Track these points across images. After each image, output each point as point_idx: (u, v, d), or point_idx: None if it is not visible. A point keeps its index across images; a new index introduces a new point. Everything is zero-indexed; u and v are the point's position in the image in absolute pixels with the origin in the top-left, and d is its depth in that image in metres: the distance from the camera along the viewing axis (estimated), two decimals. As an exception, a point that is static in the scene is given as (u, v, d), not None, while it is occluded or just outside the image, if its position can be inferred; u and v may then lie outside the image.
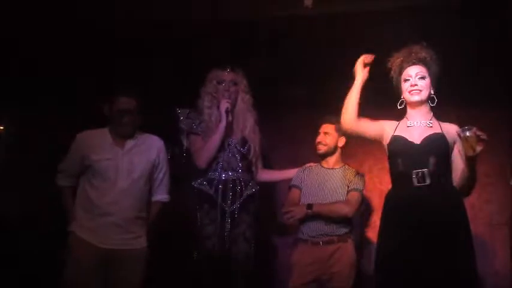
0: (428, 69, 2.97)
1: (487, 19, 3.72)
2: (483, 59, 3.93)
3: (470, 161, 2.77)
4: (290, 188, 3.78)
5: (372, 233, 3.84)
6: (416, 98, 2.95)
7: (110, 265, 3.13)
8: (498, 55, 3.90)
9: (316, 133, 3.76)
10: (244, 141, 3.59)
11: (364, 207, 3.86)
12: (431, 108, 2.99)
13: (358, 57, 3.89)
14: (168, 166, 3.38)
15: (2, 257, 3.81)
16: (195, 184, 3.52)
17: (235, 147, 3.56)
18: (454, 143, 2.89)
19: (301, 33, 3.94)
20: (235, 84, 3.59)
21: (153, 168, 3.30)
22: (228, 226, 3.43)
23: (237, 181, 3.50)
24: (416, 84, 2.94)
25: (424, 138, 2.89)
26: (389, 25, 3.76)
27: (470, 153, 2.72)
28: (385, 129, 3.05)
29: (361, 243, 3.81)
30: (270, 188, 4.08)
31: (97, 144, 3.23)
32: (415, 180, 2.83)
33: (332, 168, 3.75)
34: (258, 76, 3.74)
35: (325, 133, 3.75)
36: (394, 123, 3.05)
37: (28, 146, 4.22)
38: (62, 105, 4.15)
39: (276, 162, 4.14)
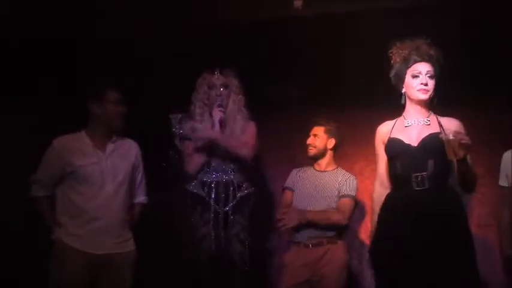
0: (435, 68, 2.89)
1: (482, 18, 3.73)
2: (478, 61, 3.94)
3: (458, 164, 2.73)
4: (283, 190, 3.80)
5: (363, 234, 3.84)
6: (423, 97, 2.87)
7: (100, 270, 3.09)
8: (494, 57, 3.91)
9: (306, 133, 3.77)
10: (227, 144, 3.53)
11: (355, 208, 3.85)
12: (430, 104, 2.92)
13: (351, 57, 3.95)
14: (144, 168, 3.38)
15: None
16: (188, 187, 3.51)
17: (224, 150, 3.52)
18: None
19: (292, 35, 3.94)
20: (226, 87, 3.58)
21: (133, 170, 3.29)
22: (222, 228, 3.43)
23: (230, 183, 3.49)
24: (426, 84, 2.85)
25: (421, 140, 2.83)
26: (380, 25, 3.77)
27: (452, 157, 2.67)
28: (380, 135, 3.01)
29: (353, 244, 3.78)
30: (266, 189, 4.09)
31: (77, 149, 3.16)
32: (414, 184, 2.78)
33: (324, 171, 3.76)
34: (251, 78, 3.73)
35: (315, 135, 3.77)
36: (389, 123, 3.00)
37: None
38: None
39: (270, 163, 4.13)
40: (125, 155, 3.27)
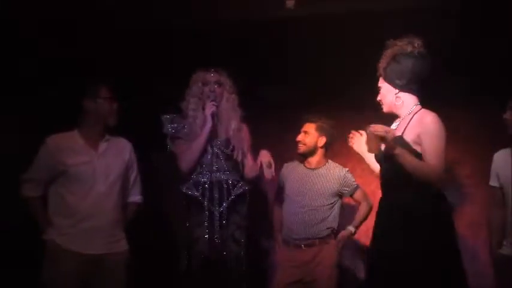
0: (385, 75, 2.94)
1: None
2: (465, 62, 3.97)
3: (393, 158, 2.74)
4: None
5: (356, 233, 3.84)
6: (383, 110, 3.01)
7: (93, 271, 3.06)
8: (481, 59, 3.94)
9: (296, 132, 3.79)
10: (228, 142, 3.56)
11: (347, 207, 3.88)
12: (409, 103, 2.91)
13: (343, 57, 3.96)
14: (138, 167, 3.36)
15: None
16: (182, 188, 3.49)
17: (219, 148, 3.53)
18: (419, 136, 2.79)
19: (284, 34, 3.94)
20: (220, 85, 3.57)
21: (127, 169, 3.27)
22: (217, 228, 3.40)
23: (223, 182, 3.48)
24: (379, 100, 3.00)
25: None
26: (373, 26, 3.79)
27: (370, 150, 2.77)
28: None
29: (344, 243, 3.79)
30: (260, 188, 4.09)
31: (70, 148, 3.13)
32: (388, 188, 2.90)
33: (315, 169, 3.76)
34: (244, 78, 3.72)
35: (305, 132, 3.76)
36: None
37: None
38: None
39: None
40: (118, 154, 3.24)
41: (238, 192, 3.50)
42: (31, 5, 3.62)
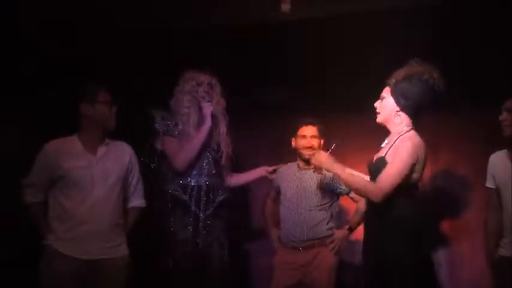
0: (392, 87, 2.97)
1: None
2: (458, 67, 3.98)
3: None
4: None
5: (352, 235, 3.82)
6: (377, 119, 3.04)
7: (90, 277, 3.04)
8: (468, 63, 3.95)
9: (295, 134, 3.76)
10: (218, 146, 3.56)
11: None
12: (402, 124, 2.96)
13: (339, 60, 3.97)
14: (140, 171, 3.34)
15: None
16: (169, 190, 3.47)
17: (209, 152, 3.52)
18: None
19: (280, 37, 3.95)
20: (211, 87, 3.57)
21: (127, 173, 3.25)
22: (203, 231, 3.40)
23: (210, 187, 3.47)
24: (375, 107, 3.03)
25: (375, 159, 2.96)
26: (367, 28, 3.80)
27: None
28: None
29: (341, 244, 3.77)
30: (241, 193, 4.07)
31: (68, 152, 3.12)
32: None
33: (308, 168, 3.73)
34: (238, 79, 3.73)
35: (313, 136, 3.73)
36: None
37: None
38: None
39: (257, 165, 4.12)
40: (117, 158, 3.22)
41: (223, 196, 3.50)
42: (30, 4, 3.62)
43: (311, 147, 3.68)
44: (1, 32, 3.70)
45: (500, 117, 3.24)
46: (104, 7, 3.69)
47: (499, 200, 3.26)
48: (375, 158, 2.96)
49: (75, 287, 3.01)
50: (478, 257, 3.81)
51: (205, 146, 3.49)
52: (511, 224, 3.15)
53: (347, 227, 3.71)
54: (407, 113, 2.94)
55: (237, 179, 3.76)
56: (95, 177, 3.10)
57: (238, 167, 3.81)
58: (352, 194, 3.70)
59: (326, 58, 4.04)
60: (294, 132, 3.77)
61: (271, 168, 3.77)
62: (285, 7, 3.71)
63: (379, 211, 2.84)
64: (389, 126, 2.99)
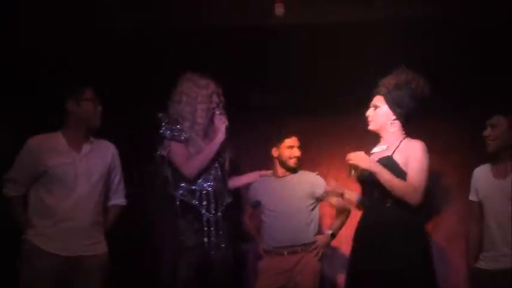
0: (386, 98, 3.08)
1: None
2: (441, 74, 4.02)
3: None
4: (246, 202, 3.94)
5: (335, 241, 3.87)
6: (369, 127, 3.15)
7: (69, 272, 3.05)
8: (454, 71, 3.99)
9: (277, 144, 3.86)
10: (221, 150, 3.49)
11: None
12: (399, 132, 3.09)
13: (331, 65, 4.00)
14: (122, 171, 3.34)
15: None
16: (177, 195, 3.40)
17: (217, 158, 3.46)
18: (407, 158, 3.00)
19: (274, 41, 3.96)
20: (220, 96, 3.50)
21: (109, 172, 3.25)
22: (213, 236, 3.37)
23: (217, 191, 3.43)
24: (368, 115, 3.13)
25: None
26: (360, 35, 3.82)
27: (348, 175, 3.02)
28: None
29: (324, 248, 3.82)
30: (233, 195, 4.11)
31: (52, 149, 3.12)
32: (368, 206, 3.05)
33: (284, 176, 3.85)
34: (230, 83, 3.73)
35: (298, 146, 3.85)
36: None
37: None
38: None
39: (251, 167, 4.15)
40: (101, 156, 3.23)
41: (229, 200, 3.50)
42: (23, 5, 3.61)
43: (295, 157, 3.81)
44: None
45: (484, 133, 3.29)
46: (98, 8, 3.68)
47: (481, 213, 3.31)
48: (376, 158, 3.04)
49: (54, 283, 3.02)
50: (460, 266, 3.87)
51: (216, 156, 3.45)
52: (492, 238, 3.20)
53: (329, 232, 3.75)
54: (401, 121, 3.07)
55: (235, 182, 3.79)
56: (79, 174, 3.11)
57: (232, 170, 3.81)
58: (331, 199, 3.75)
59: (318, 62, 4.07)
60: (278, 140, 3.86)
61: (264, 172, 3.88)
62: (279, 11, 3.73)
63: (385, 215, 2.93)
64: (383, 134, 3.10)
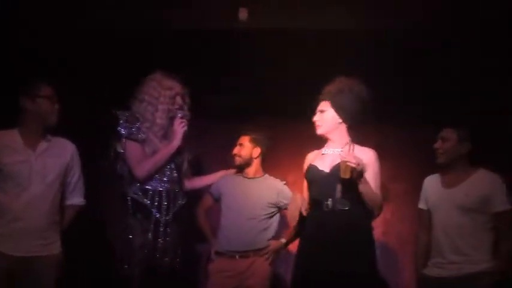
0: (332, 103, 3.15)
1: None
2: (407, 82, 4.14)
3: (358, 184, 2.96)
4: (206, 193, 3.92)
5: (290, 245, 3.94)
6: (317, 131, 3.20)
7: (22, 272, 3.01)
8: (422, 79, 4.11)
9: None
10: (179, 152, 3.49)
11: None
12: (346, 134, 3.16)
13: (294, 71, 4.06)
14: (81, 170, 3.30)
15: None
16: (129, 193, 3.38)
17: (172, 159, 3.46)
18: (367, 167, 3.04)
19: (233, 45, 3.98)
20: (184, 98, 3.50)
21: (67, 171, 3.21)
22: (161, 236, 3.36)
23: (171, 192, 3.42)
24: (315, 120, 3.19)
25: (333, 167, 3.08)
26: (322, 43, 3.89)
27: (342, 175, 2.93)
28: (306, 162, 3.27)
29: (280, 255, 3.89)
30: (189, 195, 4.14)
31: (7, 146, 3.07)
32: (324, 207, 3.04)
33: (252, 178, 3.87)
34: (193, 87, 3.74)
35: (240, 144, 3.88)
36: (316, 151, 3.27)
37: None
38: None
39: (209, 168, 4.18)
40: (58, 154, 3.19)
41: (183, 201, 3.49)
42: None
43: (235, 154, 3.85)
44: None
45: (435, 145, 3.39)
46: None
47: (430, 221, 3.40)
48: (330, 167, 3.08)
49: (5, 283, 2.97)
50: (410, 268, 3.95)
51: (172, 158, 3.44)
52: (439, 246, 3.30)
53: (283, 239, 3.81)
54: (346, 124, 3.16)
55: (197, 182, 3.78)
56: (33, 173, 3.07)
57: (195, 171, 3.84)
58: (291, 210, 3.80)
59: (281, 69, 4.12)
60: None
61: (229, 172, 3.89)
62: (243, 16, 3.77)
63: (341, 217, 2.99)
64: (331, 137, 3.18)
